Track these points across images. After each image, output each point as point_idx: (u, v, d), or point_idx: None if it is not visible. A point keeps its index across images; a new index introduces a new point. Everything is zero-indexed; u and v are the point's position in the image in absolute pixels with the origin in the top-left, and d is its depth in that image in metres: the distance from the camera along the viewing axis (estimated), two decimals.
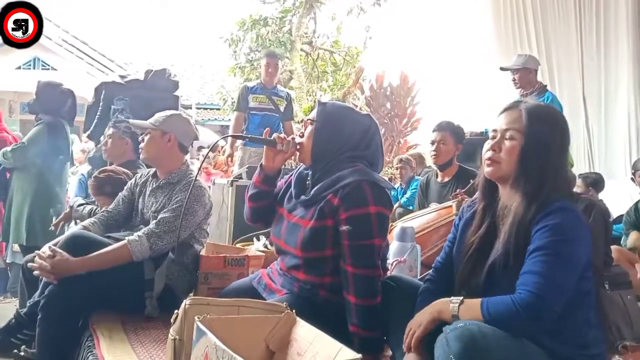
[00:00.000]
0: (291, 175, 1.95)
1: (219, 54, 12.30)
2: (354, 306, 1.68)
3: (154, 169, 2.44)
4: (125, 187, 2.52)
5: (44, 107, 3.79)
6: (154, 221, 2.20)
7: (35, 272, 2.02)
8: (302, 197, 1.82)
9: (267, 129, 1.93)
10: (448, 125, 3.31)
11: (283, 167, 1.94)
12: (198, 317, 1.32)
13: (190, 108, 12.77)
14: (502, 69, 4.29)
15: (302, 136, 1.87)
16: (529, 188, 1.41)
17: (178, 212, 2.17)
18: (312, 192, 1.78)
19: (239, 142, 4.73)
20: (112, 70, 11.08)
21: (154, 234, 2.14)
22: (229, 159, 5.01)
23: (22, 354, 2.26)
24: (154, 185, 2.38)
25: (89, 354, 1.85)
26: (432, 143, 3.28)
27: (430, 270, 1.69)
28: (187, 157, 2.52)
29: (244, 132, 4.62)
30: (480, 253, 1.48)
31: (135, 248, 2.10)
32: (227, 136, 2.88)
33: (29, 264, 2.09)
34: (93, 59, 12.43)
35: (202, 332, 1.27)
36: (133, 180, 2.53)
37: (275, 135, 1.86)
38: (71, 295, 1.99)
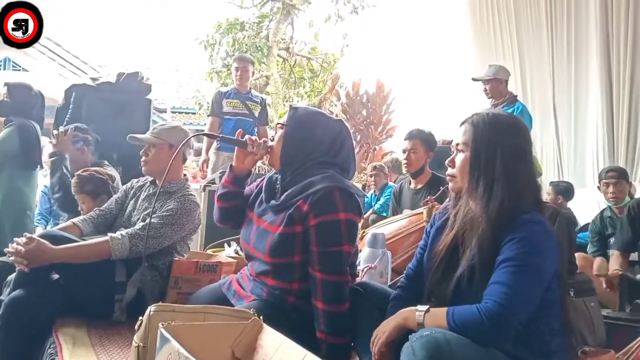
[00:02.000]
0: (262, 179, 1.95)
1: (195, 58, 12.28)
2: (322, 312, 1.68)
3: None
4: (121, 189, 2.56)
5: (16, 108, 3.70)
6: (141, 223, 2.20)
7: (10, 259, 2.00)
8: (272, 202, 1.81)
9: (239, 130, 1.95)
10: (418, 133, 3.35)
11: (256, 172, 1.94)
12: (162, 324, 1.30)
13: (165, 112, 12.68)
14: (473, 79, 4.35)
15: (273, 140, 1.88)
16: (483, 199, 1.42)
17: (166, 220, 2.19)
18: (282, 198, 1.77)
19: (212, 147, 4.70)
20: (85, 73, 10.94)
21: (137, 235, 2.14)
22: (204, 165, 4.98)
23: None
24: (150, 191, 2.40)
25: None
26: (404, 152, 3.32)
27: (402, 277, 1.69)
28: None
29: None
30: (449, 262, 1.49)
31: (116, 246, 2.10)
32: (199, 134, 2.88)
33: (5, 249, 2.06)
34: (66, 60, 12.25)
35: (165, 339, 1.25)
36: (129, 183, 2.56)
37: (247, 137, 1.87)
38: (34, 302, 1.95)
